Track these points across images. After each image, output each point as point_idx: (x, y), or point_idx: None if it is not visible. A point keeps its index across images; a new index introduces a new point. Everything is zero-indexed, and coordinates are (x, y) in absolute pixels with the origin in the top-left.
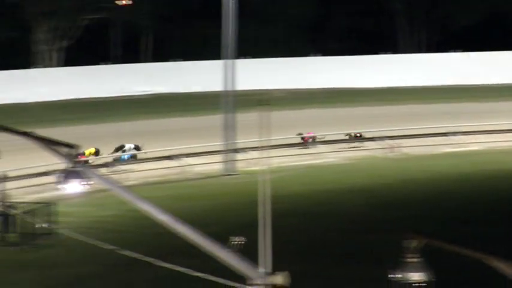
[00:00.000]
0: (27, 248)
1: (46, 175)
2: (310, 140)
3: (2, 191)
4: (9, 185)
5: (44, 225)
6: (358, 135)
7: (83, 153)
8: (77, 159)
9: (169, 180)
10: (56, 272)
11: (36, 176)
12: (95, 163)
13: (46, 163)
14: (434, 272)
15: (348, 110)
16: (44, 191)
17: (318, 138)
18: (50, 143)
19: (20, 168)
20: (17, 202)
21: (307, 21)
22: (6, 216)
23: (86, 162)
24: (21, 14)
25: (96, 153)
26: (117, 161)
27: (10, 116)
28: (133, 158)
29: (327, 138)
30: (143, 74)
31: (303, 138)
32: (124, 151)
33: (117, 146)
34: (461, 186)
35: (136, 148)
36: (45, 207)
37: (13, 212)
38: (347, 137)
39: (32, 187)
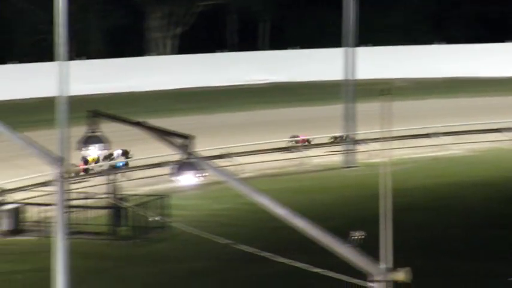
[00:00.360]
0: (139, 242)
1: (159, 167)
2: (300, 143)
3: (113, 183)
4: (122, 177)
5: (156, 218)
6: (341, 137)
7: (87, 161)
8: (189, 151)
9: (287, 172)
10: (168, 267)
11: (149, 168)
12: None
13: (159, 154)
14: None
15: (470, 100)
16: (157, 183)
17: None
18: (164, 134)
19: (133, 160)
20: (129, 195)
21: (430, 8)
22: (118, 209)
23: (87, 170)
24: (135, 1)
25: (97, 161)
26: (113, 168)
27: (122, 105)
28: (125, 166)
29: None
30: (260, 62)
31: (296, 142)
32: (112, 159)
33: (106, 153)
34: None
35: (124, 153)
36: (158, 200)
37: (125, 204)
38: (332, 140)
39: (145, 179)
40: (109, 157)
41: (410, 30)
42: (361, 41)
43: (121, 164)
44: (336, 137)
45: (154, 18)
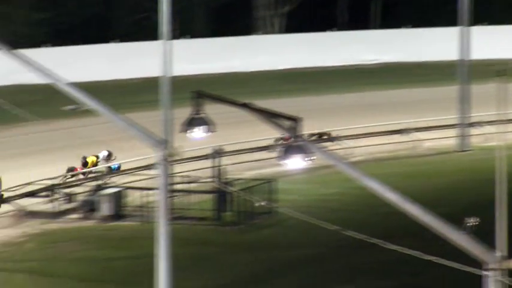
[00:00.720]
0: (244, 228)
1: (266, 150)
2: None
3: (218, 167)
4: (226, 160)
5: (262, 203)
6: (325, 134)
7: (86, 163)
8: (295, 135)
9: (398, 156)
10: (275, 253)
11: (255, 151)
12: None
13: (266, 137)
14: None
15: None
16: (263, 167)
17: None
18: (270, 116)
19: (238, 142)
20: (234, 179)
21: None
22: (223, 194)
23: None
24: None
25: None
26: (110, 171)
27: (228, 86)
28: (118, 169)
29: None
30: (370, 41)
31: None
32: (98, 160)
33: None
34: None
35: (109, 155)
36: (265, 185)
37: (230, 189)
38: (314, 137)
39: (251, 163)
40: (96, 158)
41: None
42: (477, 20)
43: (116, 166)
44: (320, 134)
45: None
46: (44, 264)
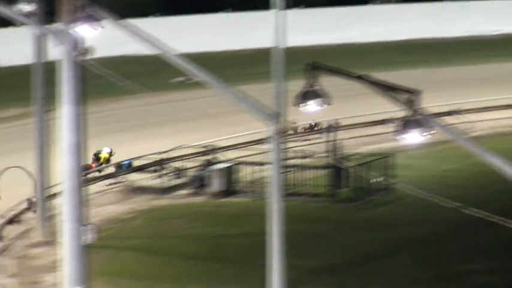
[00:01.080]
0: (360, 205)
1: (382, 124)
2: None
3: (333, 141)
4: (342, 134)
5: (379, 179)
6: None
7: (99, 158)
8: (414, 107)
9: None
10: (392, 232)
11: (371, 125)
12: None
13: (382, 111)
14: None
15: None
16: (380, 142)
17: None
18: (387, 88)
19: (354, 116)
20: (350, 154)
21: None
22: (338, 169)
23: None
24: None
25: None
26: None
27: (343, 57)
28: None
29: None
30: (493, 11)
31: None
32: (111, 156)
33: (95, 151)
34: None
35: (110, 152)
36: (382, 160)
37: (346, 164)
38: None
39: (367, 137)
40: (98, 154)
41: None
42: None
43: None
44: (310, 126)
45: None
46: (151, 241)
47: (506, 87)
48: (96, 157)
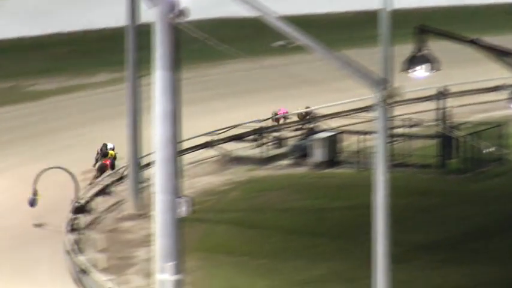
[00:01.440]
0: (471, 177)
1: (495, 91)
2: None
3: (443, 109)
4: (452, 102)
5: (492, 149)
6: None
7: (107, 153)
8: None
9: None
10: (506, 205)
11: (483, 92)
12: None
13: (495, 77)
14: None
15: None
16: (492, 110)
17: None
18: (501, 53)
19: (465, 83)
20: (460, 122)
21: None
22: (448, 139)
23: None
24: None
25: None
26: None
27: (454, 20)
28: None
29: None
30: None
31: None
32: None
33: (101, 147)
34: None
35: (113, 148)
36: (494, 129)
37: (456, 134)
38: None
39: (479, 105)
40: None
41: None
42: None
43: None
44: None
45: None
46: (250, 214)
47: None
48: (103, 153)
